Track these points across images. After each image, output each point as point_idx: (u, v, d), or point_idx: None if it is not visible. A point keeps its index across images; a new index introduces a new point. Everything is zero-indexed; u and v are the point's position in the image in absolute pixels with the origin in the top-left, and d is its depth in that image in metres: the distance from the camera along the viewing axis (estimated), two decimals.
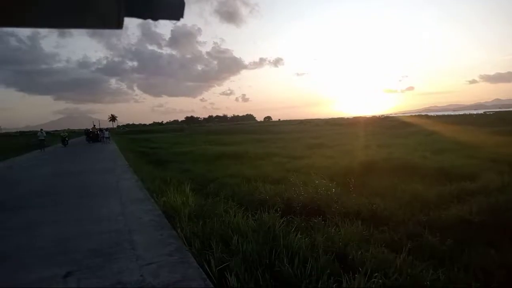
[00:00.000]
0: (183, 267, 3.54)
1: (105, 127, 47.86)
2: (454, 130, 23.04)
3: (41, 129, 25.82)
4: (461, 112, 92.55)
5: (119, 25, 0.58)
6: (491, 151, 11.43)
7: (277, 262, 3.48)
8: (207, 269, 3.49)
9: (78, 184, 9.12)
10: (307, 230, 4.66)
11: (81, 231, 4.90)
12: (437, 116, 64.90)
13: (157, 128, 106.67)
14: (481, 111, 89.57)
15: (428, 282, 3.17)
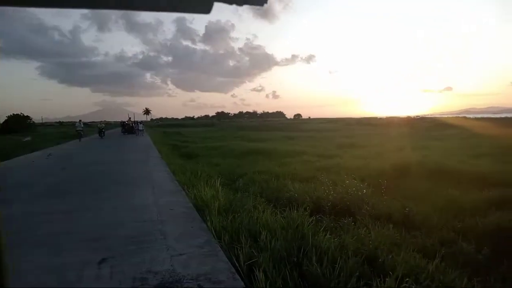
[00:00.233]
0: (212, 259, 3.61)
1: (140, 120, 49.56)
2: (494, 133, 21.74)
3: (80, 120, 27.04)
4: (503, 115, 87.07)
5: (208, 9, 0.59)
6: None
7: (305, 261, 3.47)
8: (236, 263, 3.55)
9: (115, 173, 9.54)
10: (336, 230, 4.62)
11: (117, 218, 5.13)
12: (476, 118, 61.63)
13: (188, 122, 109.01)
14: None
15: None
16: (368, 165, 9.75)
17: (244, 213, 5.04)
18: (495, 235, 4.52)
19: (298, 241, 3.94)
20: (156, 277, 3.19)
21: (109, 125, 78.16)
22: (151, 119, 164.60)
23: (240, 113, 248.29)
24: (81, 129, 25.80)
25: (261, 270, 3.25)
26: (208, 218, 4.87)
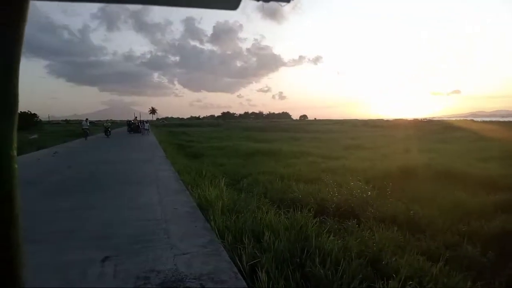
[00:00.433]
0: (215, 259, 3.61)
1: (146, 119, 49.93)
2: (502, 137, 21.46)
3: (86, 119, 27.10)
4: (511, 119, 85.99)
5: (235, 6, 0.58)
6: None
7: (309, 262, 3.46)
8: (238, 263, 3.55)
9: (120, 172, 9.60)
10: (340, 232, 4.59)
11: (121, 217, 5.15)
12: (484, 121, 60.99)
13: (194, 122, 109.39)
14: None
15: None
16: (373, 167, 9.68)
17: (247, 214, 5.03)
18: (501, 238, 4.47)
19: (301, 242, 3.92)
20: (159, 276, 3.20)
21: (115, 124, 78.88)
22: (157, 119, 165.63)
23: (246, 113, 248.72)
24: (87, 127, 25.95)
25: (263, 271, 3.24)
26: (211, 218, 4.88)
